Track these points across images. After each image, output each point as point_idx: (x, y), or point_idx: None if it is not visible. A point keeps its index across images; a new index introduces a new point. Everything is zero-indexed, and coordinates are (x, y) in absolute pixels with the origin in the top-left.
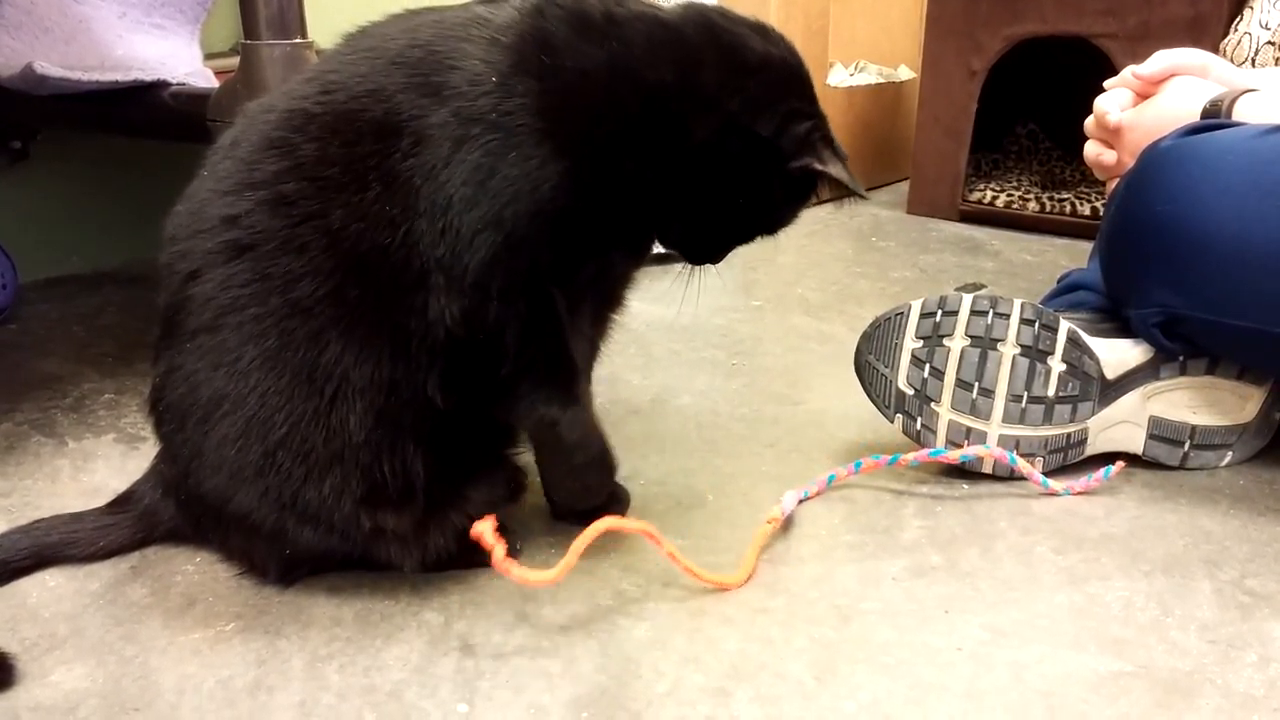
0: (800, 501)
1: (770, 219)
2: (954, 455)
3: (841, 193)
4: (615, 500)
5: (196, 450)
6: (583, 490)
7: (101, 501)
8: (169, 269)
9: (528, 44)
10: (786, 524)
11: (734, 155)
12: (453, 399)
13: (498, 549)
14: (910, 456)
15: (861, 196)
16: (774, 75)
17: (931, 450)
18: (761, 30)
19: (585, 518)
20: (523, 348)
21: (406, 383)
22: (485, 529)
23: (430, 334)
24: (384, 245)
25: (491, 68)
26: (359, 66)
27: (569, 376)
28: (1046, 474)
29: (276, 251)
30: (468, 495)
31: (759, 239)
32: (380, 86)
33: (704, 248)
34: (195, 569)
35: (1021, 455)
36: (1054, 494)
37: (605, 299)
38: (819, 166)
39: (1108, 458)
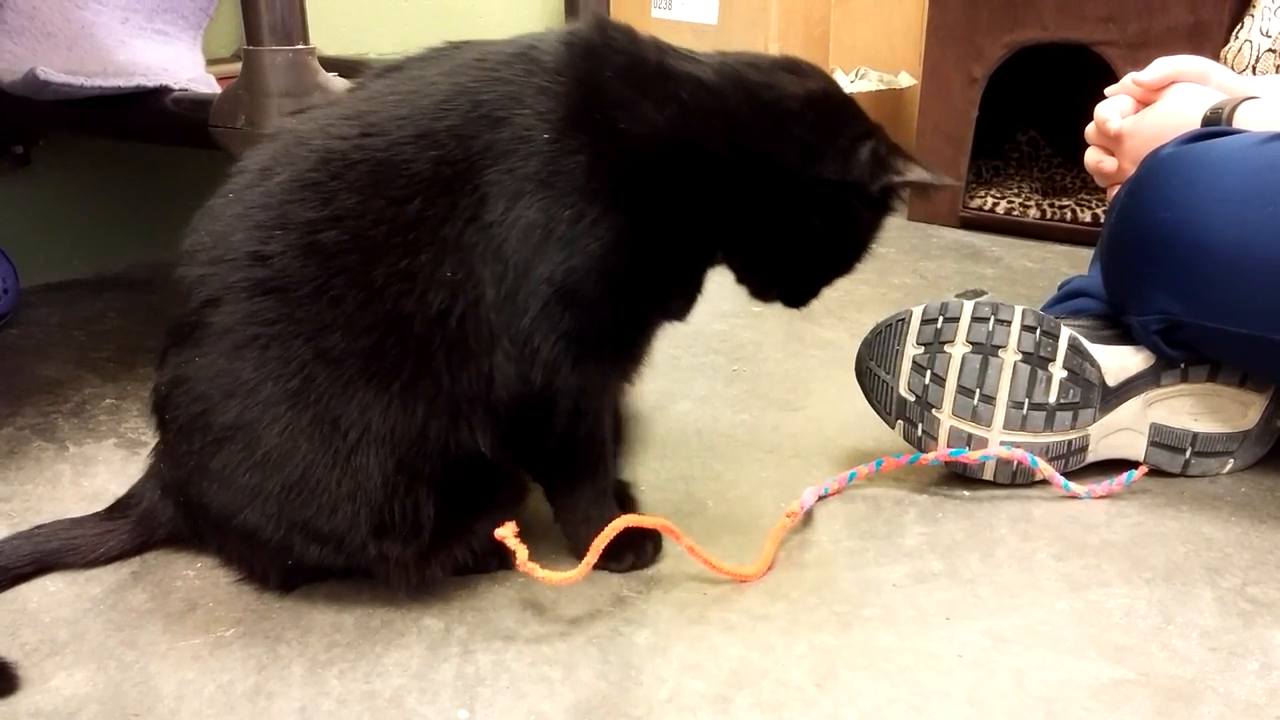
0: (820, 498)
1: (862, 242)
2: (974, 455)
3: (925, 191)
4: (644, 537)
5: (202, 466)
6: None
7: (102, 506)
8: (185, 287)
9: (581, 95)
10: (806, 519)
11: (809, 206)
12: (510, 458)
13: (520, 551)
14: (931, 456)
15: (950, 185)
16: (820, 112)
17: (953, 450)
18: (792, 68)
19: (608, 560)
20: (570, 425)
21: (438, 436)
22: (508, 533)
23: (493, 397)
24: (442, 309)
25: (543, 120)
26: (399, 109)
27: (604, 466)
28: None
29: (307, 299)
30: (474, 529)
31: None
32: (424, 132)
33: (801, 291)
34: (196, 574)
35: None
36: (1075, 497)
37: None
38: (899, 179)
39: (1113, 464)
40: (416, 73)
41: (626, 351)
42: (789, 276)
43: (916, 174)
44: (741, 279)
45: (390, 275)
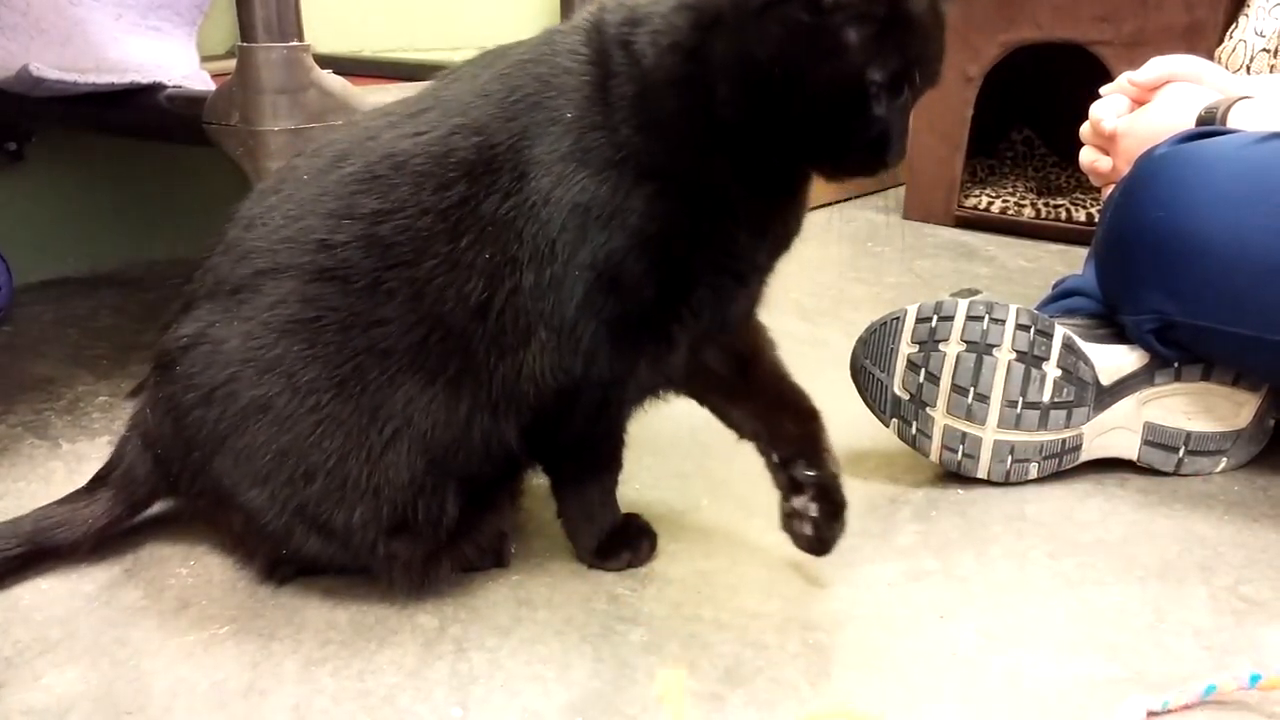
0: (1153, 715)
1: (866, 67)
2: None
3: None
4: (640, 536)
5: (218, 437)
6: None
7: None
8: (241, 250)
9: (595, 71)
10: None
11: (778, 48)
12: (527, 451)
13: None
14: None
15: None
16: None
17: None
18: None
19: (604, 558)
20: (593, 418)
21: (481, 432)
22: None
23: (522, 389)
24: (482, 300)
25: (568, 99)
26: (448, 103)
27: (616, 465)
28: (1041, 479)
29: (365, 291)
30: (482, 527)
31: (925, 90)
32: (468, 121)
33: (871, 153)
34: (189, 572)
35: (1016, 460)
36: None
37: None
38: None
39: (1107, 463)
40: (468, 70)
41: (666, 338)
42: (827, 141)
43: None
44: (805, 167)
45: (435, 267)
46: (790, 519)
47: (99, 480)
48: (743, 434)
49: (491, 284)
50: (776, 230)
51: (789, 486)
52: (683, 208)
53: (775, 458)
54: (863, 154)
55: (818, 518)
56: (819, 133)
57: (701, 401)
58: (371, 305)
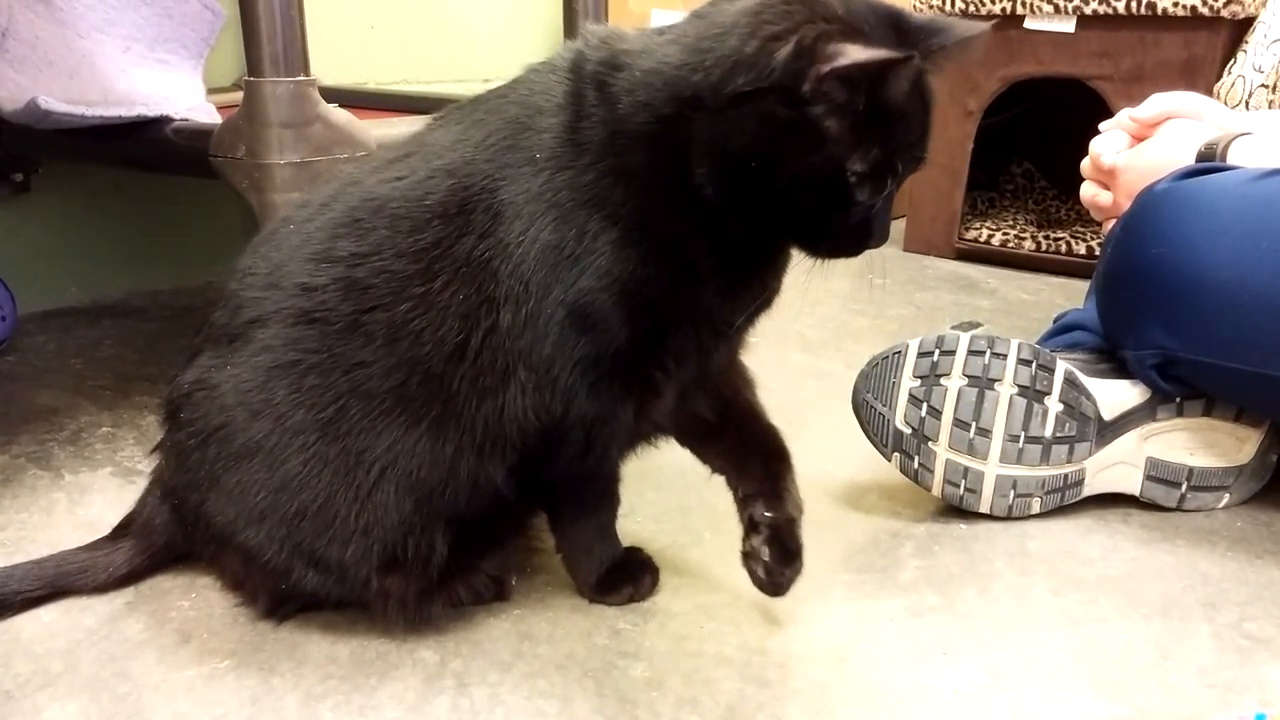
0: None
1: (846, 154)
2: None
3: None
4: (642, 571)
5: (214, 478)
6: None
7: (97, 535)
8: (236, 302)
9: (567, 112)
10: None
11: (752, 131)
12: (520, 491)
13: None
14: None
15: (903, 58)
16: (748, 22)
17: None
18: (701, 12)
19: (605, 593)
20: (578, 457)
21: (466, 473)
22: None
23: (505, 430)
24: (459, 341)
25: (540, 141)
26: (428, 147)
27: (610, 501)
28: (1044, 514)
29: (344, 333)
30: (479, 566)
31: (910, 174)
32: (445, 164)
33: (852, 239)
34: (190, 605)
35: (1018, 495)
36: None
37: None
38: (828, 66)
39: (1109, 498)
40: (453, 115)
41: (643, 379)
42: (807, 229)
43: (856, 54)
44: (787, 241)
45: (411, 308)
46: (746, 558)
47: (122, 529)
48: (713, 469)
49: (467, 325)
50: (751, 290)
51: (748, 525)
52: (648, 257)
53: (739, 494)
54: (843, 239)
55: (769, 561)
56: (798, 221)
57: (677, 438)
58: (352, 348)
